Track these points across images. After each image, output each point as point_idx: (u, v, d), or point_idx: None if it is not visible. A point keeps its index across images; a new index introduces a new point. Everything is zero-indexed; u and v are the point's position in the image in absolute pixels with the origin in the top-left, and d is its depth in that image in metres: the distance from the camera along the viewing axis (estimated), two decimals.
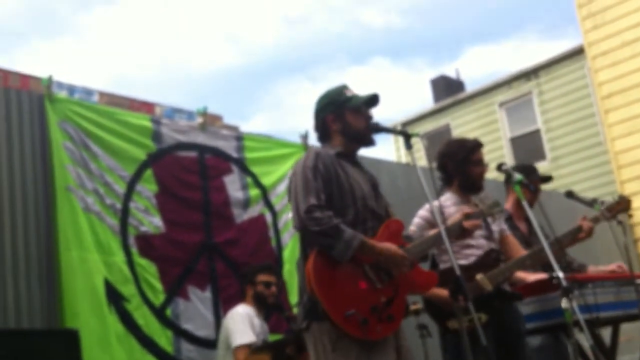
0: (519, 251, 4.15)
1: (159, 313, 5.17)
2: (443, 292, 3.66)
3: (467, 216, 3.61)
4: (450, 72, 19.44)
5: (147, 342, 5.03)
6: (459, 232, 3.56)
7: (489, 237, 4.01)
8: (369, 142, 3.36)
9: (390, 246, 3.10)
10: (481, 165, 4.12)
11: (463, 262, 3.75)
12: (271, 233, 6.06)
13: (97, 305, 4.80)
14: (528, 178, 4.57)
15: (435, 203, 3.67)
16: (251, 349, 4.74)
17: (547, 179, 5.08)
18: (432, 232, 3.59)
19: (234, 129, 11.30)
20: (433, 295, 3.74)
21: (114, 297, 4.94)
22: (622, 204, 4.42)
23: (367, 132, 3.33)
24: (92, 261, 4.87)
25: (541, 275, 4.22)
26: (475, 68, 46.43)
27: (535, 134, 14.91)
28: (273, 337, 5.29)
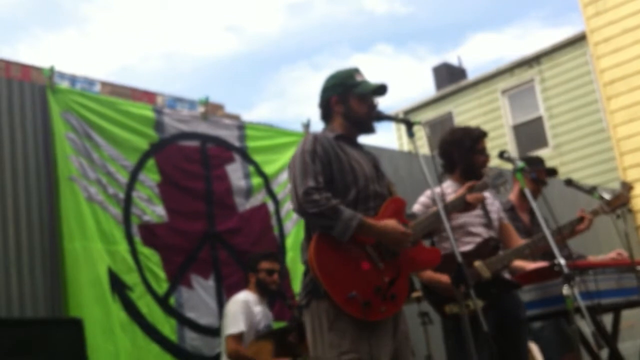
0: (517, 240, 4.16)
1: (162, 302, 5.19)
2: (443, 278, 3.69)
3: (470, 189, 3.62)
4: (452, 59, 19.36)
5: (151, 331, 5.06)
6: (462, 206, 3.59)
7: (488, 225, 4.02)
8: (369, 130, 3.37)
9: (390, 223, 3.09)
10: (485, 154, 4.14)
11: (463, 248, 3.76)
12: (273, 222, 6.07)
13: (100, 294, 4.82)
14: (532, 168, 4.58)
15: (437, 189, 3.68)
16: (256, 337, 4.78)
17: (553, 172, 5.06)
18: (433, 209, 3.59)
19: (235, 117, 11.34)
20: (432, 280, 3.75)
21: (118, 285, 4.96)
22: (622, 198, 4.40)
23: (369, 120, 3.33)
24: (95, 250, 4.89)
25: (540, 264, 4.24)
26: (479, 55, 46.32)
27: (538, 121, 14.89)
28: (276, 325, 5.32)
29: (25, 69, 13.39)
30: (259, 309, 5.00)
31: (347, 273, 3.00)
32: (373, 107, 3.34)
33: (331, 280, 2.96)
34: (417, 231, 3.26)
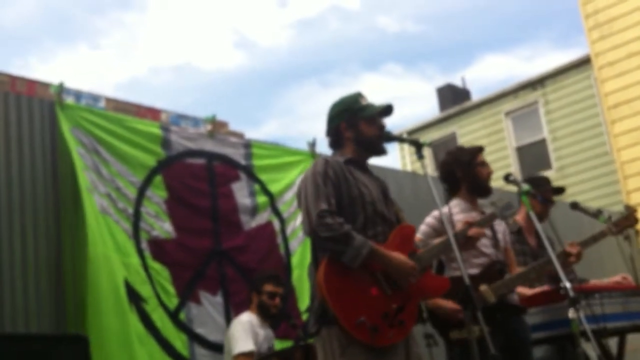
0: (514, 268, 4.17)
1: (173, 316, 5.18)
2: (447, 304, 3.69)
3: (472, 225, 3.62)
4: (460, 80, 19.40)
5: (165, 344, 5.05)
6: (464, 241, 3.56)
7: (496, 245, 4.03)
8: (381, 152, 3.39)
9: (400, 257, 3.10)
10: (487, 166, 4.16)
11: (471, 271, 3.76)
12: (279, 240, 6.08)
13: (119, 304, 4.81)
14: (539, 189, 4.58)
15: (444, 210, 3.69)
16: (258, 357, 4.76)
17: (560, 190, 5.05)
18: (438, 240, 3.60)
19: (239, 135, 11.36)
20: (436, 306, 3.75)
21: (134, 297, 4.96)
22: (630, 219, 4.42)
23: (379, 141, 3.37)
24: (114, 260, 4.91)
25: (540, 289, 4.24)
26: (488, 75, 46.26)
27: (541, 143, 14.92)
28: (283, 344, 5.32)
29: (31, 83, 13.45)
30: (261, 332, 4.98)
31: (355, 298, 3.01)
32: (382, 127, 3.37)
33: (340, 305, 2.96)
34: (425, 259, 3.26)
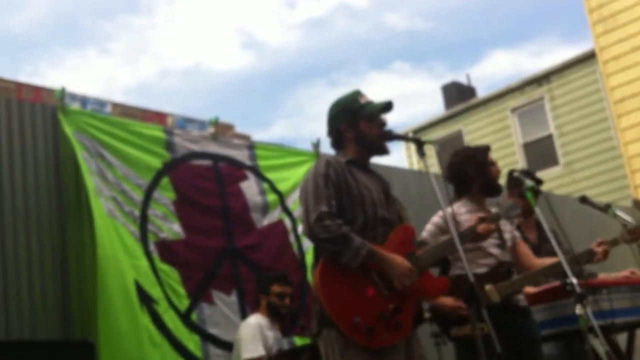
0: (532, 259, 4.13)
1: (184, 317, 5.17)
2: (447, 301, 3.67)
3: (481, 220, 3.60)
4: (462, 78, 19.30)
5: (178, 345, 5.03)
6: (473, 237, 3.55)
7: (502, 245, 3.99)
8: (383, 151, 3.36)
9: (397, 258, 3.08)
10: (495, 165, 4.15)
11: (477, 270, 3.74)
12: (292, 238, 6.07)
13: (129, 305, 4.79)
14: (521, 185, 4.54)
15: (449, 210, 3.66)
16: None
17: (538, 181, 4.96)
18: (441, 238, 3.59)
19: (245, 137, 11.36)
20: (437, 303, 3.73)
21: (145, 298, 4.94)
22: None
23: (381, 141, 3.33)
24: (123, 262, 4.89)
25: (544, 286, 4.21)
26: (495, 72, 45.90)
27: (548, 139, 14.87)
28: (303, 341, 5.34)
29: (37, 90, 13.48)
30: (271, 334, 4.96)
31: (351, 299, 3.00)
32: (383, 125, 3.34)
33: (335, 306, 2.96)
34: (425, 260, 3.24)
